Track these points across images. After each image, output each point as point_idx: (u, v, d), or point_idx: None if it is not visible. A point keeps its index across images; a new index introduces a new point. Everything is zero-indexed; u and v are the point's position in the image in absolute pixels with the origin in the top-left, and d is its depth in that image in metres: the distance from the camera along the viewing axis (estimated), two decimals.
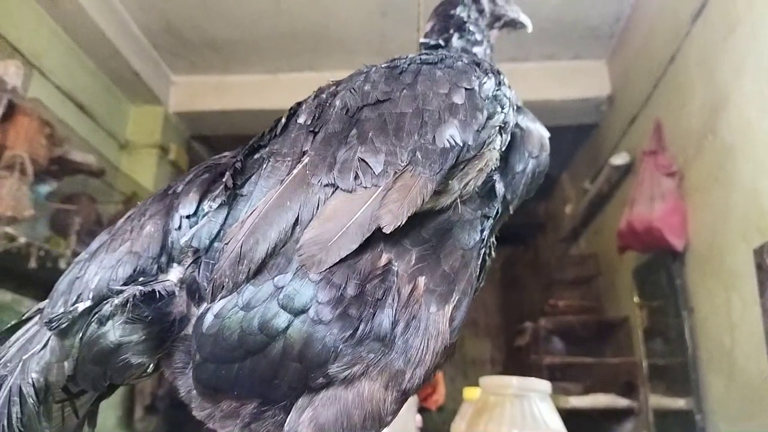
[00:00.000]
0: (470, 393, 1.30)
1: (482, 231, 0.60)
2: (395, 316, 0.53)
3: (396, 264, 0.54)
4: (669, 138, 2.81)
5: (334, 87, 0.64)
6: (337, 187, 0.54)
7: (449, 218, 0.57)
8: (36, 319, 0.63)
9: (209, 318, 0.54)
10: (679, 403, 2.59)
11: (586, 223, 3.91)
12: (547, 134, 0.68)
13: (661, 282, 2.78)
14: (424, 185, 0.53)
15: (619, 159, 3.18)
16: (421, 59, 0.63)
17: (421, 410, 1.94)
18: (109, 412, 2.87)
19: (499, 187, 0.62)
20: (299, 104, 0.65)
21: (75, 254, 2.45)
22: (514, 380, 0.98)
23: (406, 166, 0.54)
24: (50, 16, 2.95)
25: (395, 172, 0.54)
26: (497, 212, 0.63)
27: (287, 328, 0.52)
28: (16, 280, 2.32)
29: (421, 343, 0.53)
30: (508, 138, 0.60)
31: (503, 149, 0.60)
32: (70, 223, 2.54)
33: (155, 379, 2.99)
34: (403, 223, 0.52)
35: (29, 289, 2.26)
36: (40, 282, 2.42)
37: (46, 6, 2.89)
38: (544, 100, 3.52)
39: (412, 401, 1.23)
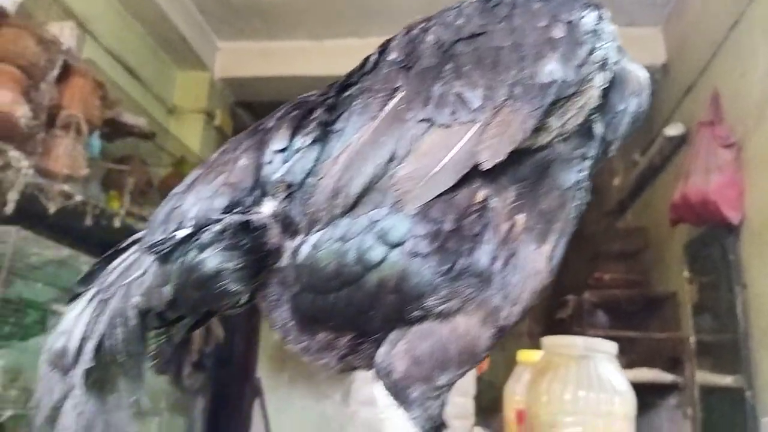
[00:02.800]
0: (525, 356, 1.29)
1: (580, 171, 0.58)
2: (494, 251, 0.52)
3: (494, 200, 0.53)
4: (727, 108, 2.70)
5: (424, 23, 0.62)
6: (433, 122, 0.53)
7: (547, 156, 0.55)
8: (134, 248, 0.64)
9: (306, 248, 0.55)
10: (727, 380, 2.54)
11: (634, 195, 3.82)
12: (644, 73, 0.65)
13: (713, 256, 2.71)
14: (524, 121, 0.50)
15: (673, 130, 3.08)
16: None
17: None
18: None
19: (598, 127, 0.59)
20: (389, 41, 0.63)
21: (128, 214, 2.51)
22: (580, 340, 0.97)
23: (505, 100, 0.52)
24: None
25: (494, 107, 0.52)
26: (596, 153, 0.61)
27: (383, 260, 0.52)
28: (72, 237, 2.39)
29: (519, 280, 0.53)
30: (610, 75, 0.57)
31: (605, 87, 0.57)
32: (123, 183, 2.60)
33: (202, 336, 3.07)
34: (502, 159, 0.50)
35: (85, 245, 2.33)
36: (95, 239, 2.50)
37: None
38: None
39: None
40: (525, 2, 0.57)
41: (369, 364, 0.57)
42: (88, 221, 2.31)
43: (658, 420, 3.13)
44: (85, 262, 2.20)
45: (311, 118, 0.59)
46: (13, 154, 1.97)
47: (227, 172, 0.60)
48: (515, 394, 1.18)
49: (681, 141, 3.13)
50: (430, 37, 0.58)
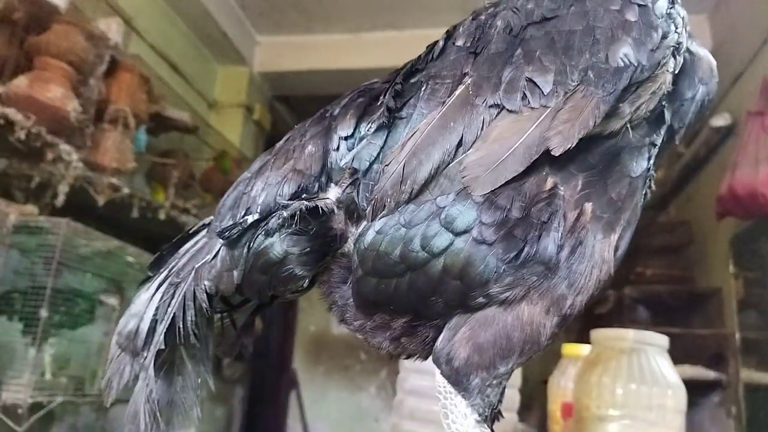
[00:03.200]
0: (570, 349, 1.28)
1: (649, 159, 0.57)
2: (561, 240, 0.51)
3: (562, 188, 0.52)
4: None
5: (492, 8, 0.62)
6: (503, 107, 0.52)
7: (617, 143, 0.54)
8: (203, 233, 0.66)
9: (371, 234, 0.56)
10: None
11: (678, 189, 3.72)
12: (714, 61, 0.63)
13: (761, 251, 2.63)
14: (596, 106, 0.50)
15: (720, 120, 2.98)
16: None
17: None
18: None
19: (667, 114, 0.58)
20: (455, 27, 0.63)
21: (173, 206, 2.57)
22: (630, 333, 0.96)
23: (577, 86, 0.51)
24: None
25: (565, 92, 0.51)
26: (664, 140, 0.60)
27: (448, 246, 0.52)
28: (120, 229, 2.45)
29: (585, 270, 0.52)
30: (681, 61, 0.56)
31: (676, 72, 0.56)
32: (167, 177, 2.65)
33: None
34: (574, 145, 0.49)
35: (132, 237, 2.39)
36: (141, 231, 2.56)
37: None
38: None
39: None
40: None
41: (422, 349, 0.58)
42: (135, 213, 2.37)
43: (699, 418, 3.07)
44: (131, 253, 2.26)
45: (377, 104, 0.59)
46: (64, 147, 2.04)
47: (294, 159, 0.61)
48: (561, 388, 1.17)
49: (728, 132, 3.03)
50: (499, 22, 0.57)
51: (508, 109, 0.52)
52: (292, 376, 4.31)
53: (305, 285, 0.63)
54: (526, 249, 0.51)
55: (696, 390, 3.01)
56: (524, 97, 0.52)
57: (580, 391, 0.97)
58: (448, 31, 0.63)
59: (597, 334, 1.02)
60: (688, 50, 0.58)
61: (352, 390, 4.56)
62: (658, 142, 0.58)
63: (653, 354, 0.94)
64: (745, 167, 2.55)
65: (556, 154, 0.50)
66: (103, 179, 2.19)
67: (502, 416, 0.60)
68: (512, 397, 1.16)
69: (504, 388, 0.56)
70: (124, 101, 2.31)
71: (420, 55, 0.63)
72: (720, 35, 3.32)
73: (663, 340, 0.96)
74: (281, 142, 0.66)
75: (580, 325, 4.99)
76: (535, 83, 0.52)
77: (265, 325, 3.57)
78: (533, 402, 2.14)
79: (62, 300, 2.10)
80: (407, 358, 0.62)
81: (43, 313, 1.93)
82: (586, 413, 0.94)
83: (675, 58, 0.54)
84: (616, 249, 0.55)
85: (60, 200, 2.07)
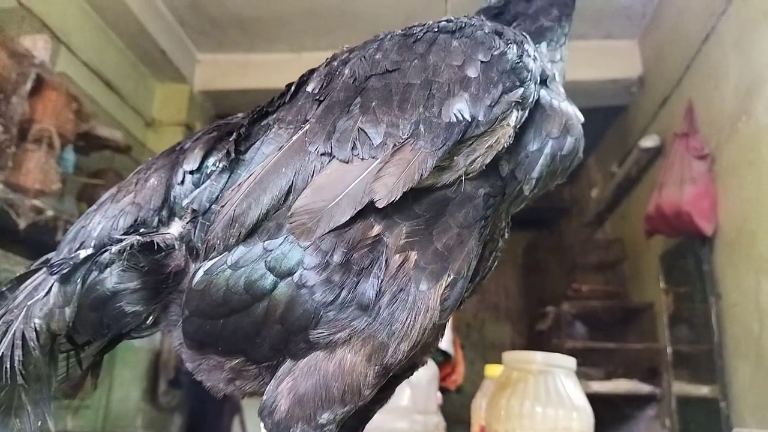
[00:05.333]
0: (492, 370, 1.29)
1: (486, 209, 0.57)
2: (381, 286, 0.52)
3: (387, 236, 0.53)
4: (701, 120, 2.74)
5: (347, 54, 0.62)
6: (334, 156, 0.53)
7: (445, 194, 0.55)
8: (44, 269, 0.64)
9: (199, 274, 0.55)
10: (704, 390, 2.55)
11: (612, 207, 3.85)
12: (575, 117, 0.63)
13: (688, 267, 2.73)
14: (424, 160, 0.51)
15: (649, 141, 3.11)
16: (438, 27, 0.60)
17: (441, 390, 1.95)
18: (134, 385, 2.92)
19: (504, 165, 0.58)
20: (311, 72, 0.64)
21: None
22: (539, 355, 0.97)
23: (406, 139, 0.52)
24: None
25: (395, 145, 0.52)
26: (504, 192, 0.59)
27: (272, 290, 0.53)
28: (43, 252, 2.35)
29: (407, 317, 0.52)
30: (525, 114, 0.56)
31: (518, 126, 0.56)
32: (97, 198, 2.57)
33: (179, 354, 3.04)
34: (398, 198, 0.50)
35: None
36: None
37: None
38: (573, 81, 3.39)
39: (434, 377, 1.22)
40: (445, 39, 0.57)
41: (260, 390, 0.57)
42: (60, 236, 2.28)
43: (636, 431, 3.14)
44: None
45: (225, 142, 0.59)
46: None
47: (135, 192, 0.60)
48: (480, 409, 1.18)
49: (657, 152, 3.16)
50: (347, 70, 0.59)
51: (338, 158, 0.53)
52: (235, 401, 4.21)
53: (149, 323, 0.61)
54: (343, 293, 0.51)
55: (632, 403, 3.09)
56: (354, 147, 0.53)
57: (490, 414, 0.97)
58: (303, 74, 0.63)
59: (507, 356, 1.03)
60: (540, 102, 0.59)
61: None
62: (495, 192, 0.58)
63: (561, 376, 0.95)
64: (671, 187, 2.65)
65: (380, 207, 0.51)
66: (26, 201, 2.10)
67: None
68: (426, 422, 1.16)
69: None
70: (50, 120, 2.24)
71: (273, 98, 0.63)
72: (649, 60, 3.47)
73: (570, 362, 0.97)
74: (131, 175, 0.65)
75: (525, 340, 5.07)
76: (366, 134, 0.53)
77: None
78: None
79: None
80: (251, 396, 0.60)
81: None
82: None
83: (518, 111, 0.55)
84: (445, 299, 0.54)
85: None
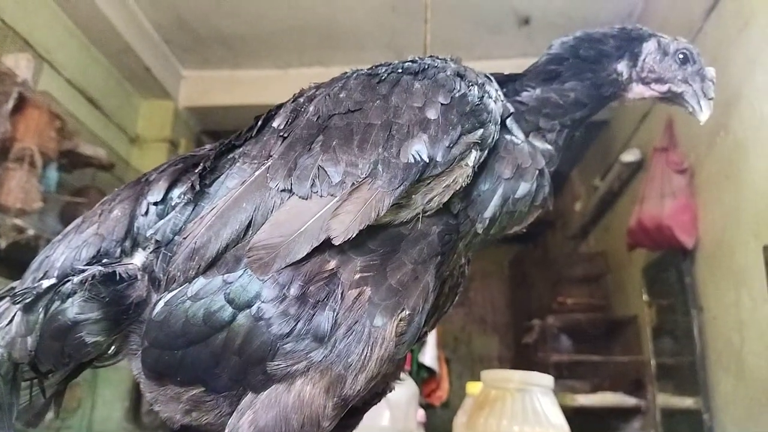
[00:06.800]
0: (473, 387, 1.29)
1: (442, 246, 0.58)
2: (336, 318, 0.53)
3: (342, 270, 0.54)
4: (680, 135, 2.78)
5: (313, 90, 0.64)
6: (293, 192, 0.55)
7: (399, 231, 0.56)
8: (7, 298, 0.64)
9: (160, 305, 0.56)
10: (687, 402, 2.57)
11: (595, 220, 3.88)
12: (535, 160, 0.63)
13: (670, 280, 2.76)
14: (381, 199, 0.52)
15: (630, 156, 3.15)
16: (403, 68, 0.62)
17: (426, 406, 1.95)
18: (116, 405, 2.89)
19: (456, 202, 0.59)
20: (279, 107, 0.65)
21: None
22: (517, 374, 0.98)
23: (365, 178, 0.54)
24: (62, 11, 2.97)
25: (353, 183, 0.54)
26: (459, 230, 0.60)
27: (230, 321, 0.53)
28: (25, 272, 2.33)
29: (363, 350, 0.53)
30: (484, 155, 0.58)
31: (476, 166, 0.57)
32: (79, 216, 2.55)
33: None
34: (354, 235, 0.52)
35: None
36: None
37: (58, 0, 2.91)
38: None
39: (414, 395, 1.23)
40: (407, 81, 0.59)
41: (218, 423, 0.58)
42: None
43: None
44: None
45: (190, 174, 0.60)
46: None
47: (99, 223, 0.61)
48: (461, 427, 1.18)
49: (638, 167, 3.20)
50: (311, 108, 0.60)
51: (297, 195, 0.55)
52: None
53: (111, 352, 0.62)
54: (298, 326, 0.52)
55: (619, 416, 3.10)
56: (314, 184, 0.55)
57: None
58: (270, 109, 0.65)
59: (486, 375, 1.03)
60: (498, 143, 0.60)
61: None
62: (450, 231, 0.59)
63: (538, 394, 0.96)
64: (652, 201, 2.69)
65: (336, 243, 0.52)
66: (7, 220, 2.09)
67: None
68: None
69: None
70: (31, 139, 2.23)
71: (241, 132, 0.65)
72: None
73: (548, 381, 0.98)
74: (97, 205, 0.65)
75: (512, 354, 5.08)
76: (326, 172, 0.55)
77: None
78: None
79: None
80: (207, 429, 0.61)
81: None
82: None
83: (477, 152, 0.56)
84: (401, 333, 0.55)
85: None
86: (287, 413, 0.52)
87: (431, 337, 2.40)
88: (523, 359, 3.87)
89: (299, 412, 0.52)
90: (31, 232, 2.18)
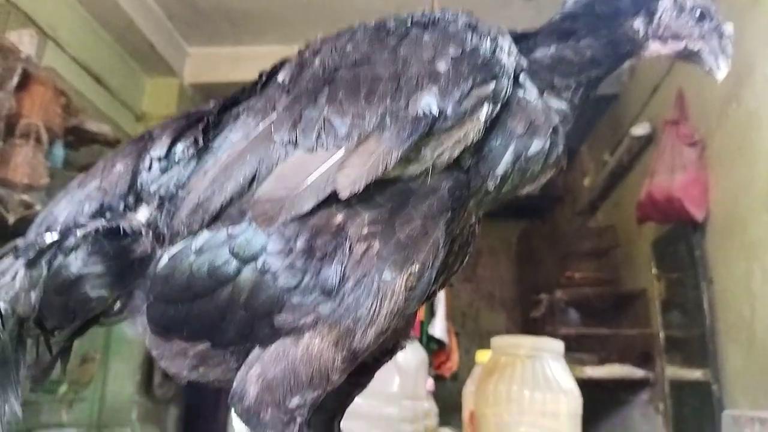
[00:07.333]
0: (483, 356, 1.29)
1: (452, 202, 0.57)
2: (344, 272, 0.52)
3: (349, 225, 0.53)
4: (691, 107, 2.74)
5: (319, 44, 0.62)
6: (298, 145, 0.54)
7: (408, 186, 0.55)
8: (11, 253, 0.64)
9: (164, 259, 0.56)
10: (696, 374, 2.57)
11: (604, 195, 3.86)
12: (548, 118, 0.61)
13: (680, 253, 2.74)
14: (388, 152, 0.51)
15: (640, 129, 3.11)
16: (412, 20, 0.60)
17: (436, 377, 1.96)
18: (128, 378, 2.92)
19: (467, 158, 0.58)
20: (283, 61, 0.64)
21: None
22: (527, 340, 0.97)
23: (372, 131, 0.52)
24: None
25: (359, 136, 0.52)
26: (469, 186, 0.59)
27: (236, 275, 0.53)
28: None
29: (372, 304, 0.52)
30: (497, 109, 0.56)
31: (488, 121, 0.55)
32: None
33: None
34: (361, 189, 0.51)
35: None
36: None
37: None
38: None
39: (423, 362, 1.23)
40: (417, 33, 0.57)
41: (225, 378, 0.57)
42: None
43: (630, 415, 3.17)
44: None
45: (194, 130, 0.59)
46: None
47: (101, 177, 0.61)
48: (470, 395, 1.18)
49: (648, 140, 3.17)
50: (317, 61, 0.59)
51: (302, 147, 0.54)
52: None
53: (116, 309, 0.62)
54: (305, 279, 0.52)
55: (627, 388, 3.11)
56: (319, 137, 0.53)
57: (479, 398, 0.98)
58: (275, 64, 0.63)
59: (496, 341, 1.03)
60: (512, 98, 0.58)
61: None
62: (460, 187, 0.57)
63: (548, 360, 0.96)
64: (662, 174, 2.66)
65: (343, 198, 0.51)
66: (14, 196, 2.09)
67: None
68: (415, 408, 1.17)
69: (302, 422, 0.54)
70: (37, 115, 2.22)
71: (244, 87, 0.63)
72: None
73: (558, 346, 0.98)
74: (100, 160, 0.65)
75: (519, 328, 5.10)
76: (332, 124, 0.53)
77: None
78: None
79: None
80: (214, 385, 0.61)
81: None
82: (484, 420, 0.94)
83: (490, 106, 0.55)
84: (411, 288, 0.54)
85: None
86: (296, 366, 0.52)
87: (440, 310, 2.40)
88: (530, 334, 3.87)
89: (308, 365, 0.52)
90: (38, 207, 2.18)
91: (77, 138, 2.59)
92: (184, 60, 3.86)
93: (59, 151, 2.42)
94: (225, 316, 0.54)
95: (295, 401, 0.53)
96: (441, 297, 2.46)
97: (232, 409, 0.55)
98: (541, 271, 4.44)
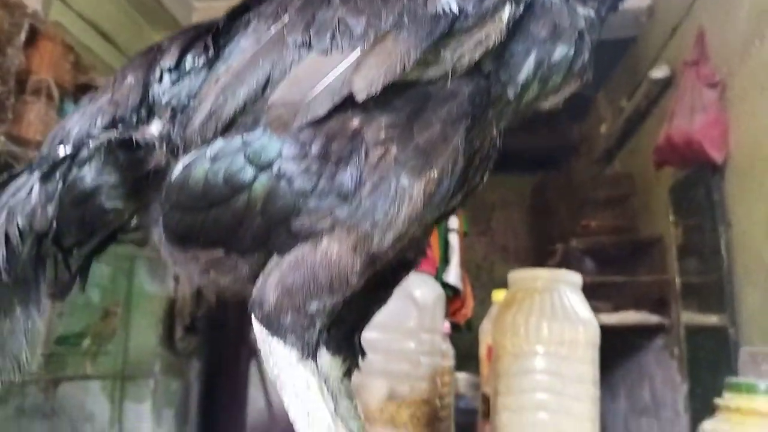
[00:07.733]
0: (499, 295, 1.30)
1: (473, 108, 0.55)
2: (360, 176, 0.52)
3: (366, 128, 0.52)
4: (712, 47, 2.66)
5: None
6: (312, 47, 0.52)
7: (427, 90, 0.53)
8: (26, 170, 0.64)
9: (178, 168, 0.56)
10: (712, 319, 2.57)
11: (621, 142, 3.79)
12: (574, 23, 0.57)
13: (698, 198, 2.71)
14: (407, 53, 0.49)
15: (659, 72, 3.03)
16: None
17: (451, 325, 1.97)
18: (150, 331, 2.99)
19: (487, 62, 0.55)
20: None
21: None
22: (544, 272, 0.97)
23: (389, 30, 0.50)
24: None
25: (376, 35, 0.50)
26: (490, 93, 0.57)
27: (252, 182, 0.53)
28: None
29: (390, 207, 0.52)
30: (520, 10, 0.53)
31: (510, 23, 0.53)
32: None
33: (194, 300, 3.09)
34: (378, 91, 0.49)
35: None
36: None
37: None
38: None
39: (440, 297, 1.23)
40: None
41: (233, 286, 0.58)
42: None
43: (646, 360, 3.19)
44: None
45: (204, 38, 0.59)
46: None
47: (113, 91, 0.60)
48: (487, 333, 1.19)
49: (667, 83, 3.09)
50: None
51: (316, 49, 0.52)
52: (252, 345, 4.29)
53: (134, 225, 0.63)
54: (322, 182, 0.52)
55: (642, 334, 3.13)
56: (334, 37, 0.52)
57: (497, 331, 0.98)
58: None
59: (513, 275, 1.03)
60: (532, 1, 0.55)
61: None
62: (480, 92, 0.55)
63: (565, 291, 0.96)
64: (682, 117, 2.61)
65: (360, 100, 0.49)
66: (28, 153, 2.10)
67: (358, 368, 0.65)
68: (433, 341, 1.18)
69: (322, 328, 0.55)
70: (47, 71, 2.21)
71: None
72: None
73: (575, 278, 0.97)
74: (111, 77, 0.65)
75: None
76: (347, 24, 0.52)
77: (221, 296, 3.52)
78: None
79: None
80: (223, 292, 0.62)
81: None
82: (502, 352, 0.95)
83: (512, 6, 0.52)
84: (430, 194, 0.53)
85: None
86: (315, 270, 0.52)
87: (455, 258, 2.41)
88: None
89: (327, 270, 0.52)
90: None
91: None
92: (190, 14, 3.80)
93: (70, 108, 2.41)
94: (242, 223, 0.54)
95: (314, 306, 0.53)
96: (455, 245, 2.46)
97: (253, 317, 0.55)
98: (555, 222, 4.41)
